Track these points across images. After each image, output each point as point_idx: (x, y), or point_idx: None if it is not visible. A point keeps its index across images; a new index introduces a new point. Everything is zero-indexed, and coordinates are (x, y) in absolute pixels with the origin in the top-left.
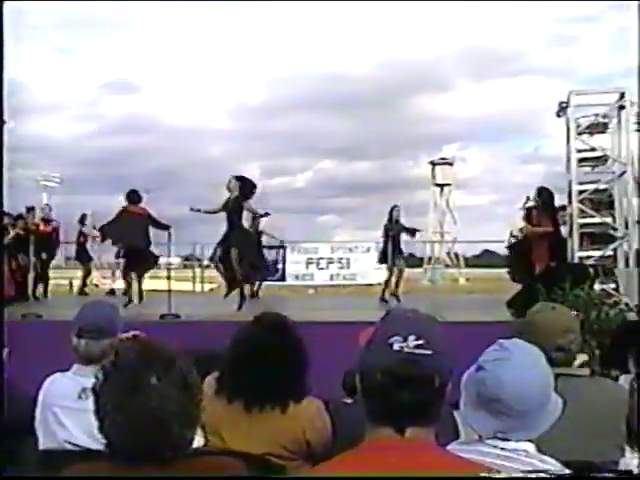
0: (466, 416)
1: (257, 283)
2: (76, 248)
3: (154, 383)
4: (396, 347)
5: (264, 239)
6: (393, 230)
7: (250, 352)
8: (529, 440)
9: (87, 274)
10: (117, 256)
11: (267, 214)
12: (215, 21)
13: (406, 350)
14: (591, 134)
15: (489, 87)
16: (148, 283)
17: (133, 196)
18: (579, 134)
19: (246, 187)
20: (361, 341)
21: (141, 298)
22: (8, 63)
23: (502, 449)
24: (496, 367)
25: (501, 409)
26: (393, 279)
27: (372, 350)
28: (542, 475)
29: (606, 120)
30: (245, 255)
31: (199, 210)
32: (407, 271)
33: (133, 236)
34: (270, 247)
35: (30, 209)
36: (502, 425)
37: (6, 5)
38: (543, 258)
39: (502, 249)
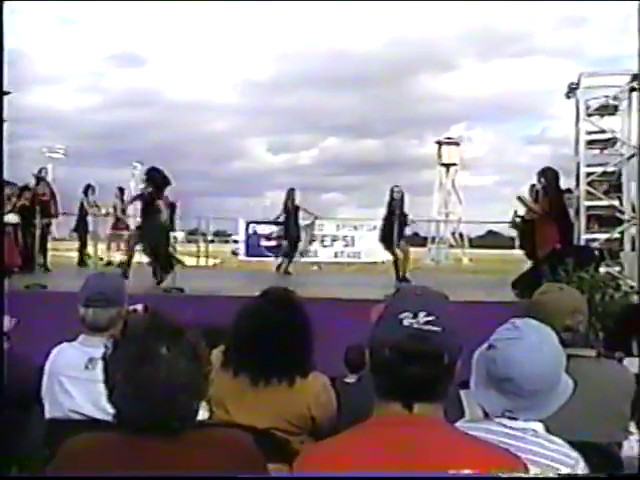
0: (476, 394)
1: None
2: (76, 219)
3: (163, 354)
4: (406, 323)
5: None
6: (396, 209)
7: (257, 326)
8: (538, 420)
9: (83, 246)
10: (113, 227)
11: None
12: None
13: (416, 326)
14: (601, 116)
15: (495, 67)
16: None
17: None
18: (588, 115)
19: (157, 180)
20: (372, 317)
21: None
22: (14, 33)
23: (510, 428)
24: (508, 346)
25: (511, 388)
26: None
27: (382, 326)
28: (551, 475)
29: (616, 102)
30: (153, 246)
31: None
32: (411, 250)
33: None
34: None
35: (41, 179)
36: (511, 404)
37: None
38: (548, 240)
39: (506, 230)
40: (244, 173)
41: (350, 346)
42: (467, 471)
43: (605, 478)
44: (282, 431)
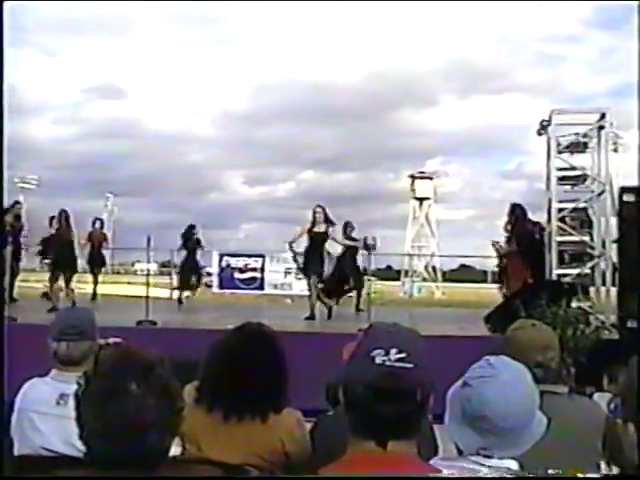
0: (450, 431)
1: None
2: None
3: (132, 390)
4: (378, 360)
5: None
6: None
7: (231, 361)
8: (512, 457)
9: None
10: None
11: None
12: (204, 28)
13: (388, 363)
14: (571, 153)
15: (474, 103)
16: (125, 289)
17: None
18: (559, 152)
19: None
20: (345, 355)
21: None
22: None
23: (485, 465)
24: (481, 384)
25: (486, 426)
26: None
27: (354, 364)
28: (520, 475)
29: (586, 140)
30: None
31: None
32: (385, 284)
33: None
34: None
35: (6, 210)
36: (486, 442)
37: None
38: (518, 275)
39: (479, 264)
40: (220, 205)
41: (329, 382)
42: None
43: (605, 478)
44: (255, 467)
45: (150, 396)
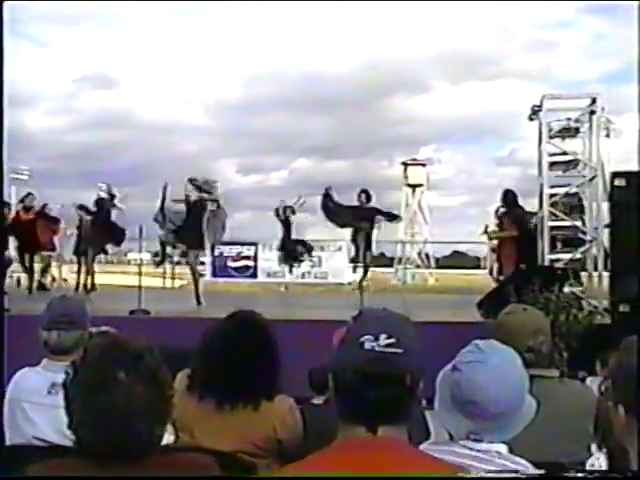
0: (440, 416)
1: None
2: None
3: (120, 379)
4: (367, 346)
5: None
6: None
7: (223, 349)
8: (502, 441)
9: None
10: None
11: None
12: (196, 17)
13: (377, 349)
14: (563, 138)
15: (466, 90)
16: (118, 278)
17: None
18: (551, 138)
19: None
20: (335, 341)
21: None
22: None
23: (475, 450)
24: (471, 369)
25: (476, 411)
26: None
27: (344, 349)
28: (516, 475)
29: (578, 125)
30: None
31: None
32: (377, 271)
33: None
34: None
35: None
36: (476, 426)
37: None
38: (511, 260)
39: (472, 250)
40: None
41: (313, 368)
42: None
43: (603, 477)
44: (248, 454)
45: (139, 385)
